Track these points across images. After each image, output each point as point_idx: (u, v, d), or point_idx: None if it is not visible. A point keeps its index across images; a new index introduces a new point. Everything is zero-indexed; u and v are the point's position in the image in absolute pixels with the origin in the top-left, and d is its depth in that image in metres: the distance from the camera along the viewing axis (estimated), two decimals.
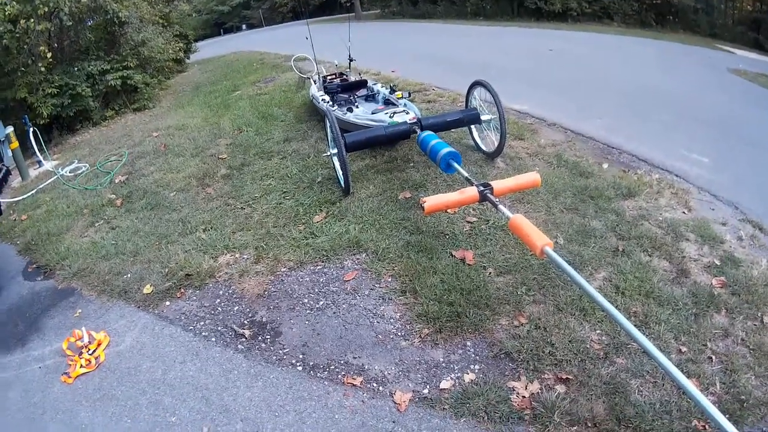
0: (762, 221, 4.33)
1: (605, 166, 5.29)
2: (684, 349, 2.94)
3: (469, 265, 3.70)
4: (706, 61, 14.93)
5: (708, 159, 5.59)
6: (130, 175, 6.48)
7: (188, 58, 17.65)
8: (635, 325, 2.21)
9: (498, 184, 3.41)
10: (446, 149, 4.16)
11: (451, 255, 3.83)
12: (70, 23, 9.58)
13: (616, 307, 2.94)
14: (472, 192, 3.32)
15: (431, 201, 3.23)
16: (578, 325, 3.12)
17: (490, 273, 3.63)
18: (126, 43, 11.05)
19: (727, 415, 1.88)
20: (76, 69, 9.94)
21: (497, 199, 3.31)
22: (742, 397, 2.64)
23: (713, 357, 2.90)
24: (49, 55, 8.98)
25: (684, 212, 4.43)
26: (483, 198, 3.33)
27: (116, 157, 7.35)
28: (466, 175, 3.89)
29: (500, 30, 20.31)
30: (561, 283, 3.45)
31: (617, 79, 10.08)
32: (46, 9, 8.59)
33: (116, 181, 6.38)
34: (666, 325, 3.08)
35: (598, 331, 3.08)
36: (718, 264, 3.69)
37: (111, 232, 5.02)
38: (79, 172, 7.13)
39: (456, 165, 4.10)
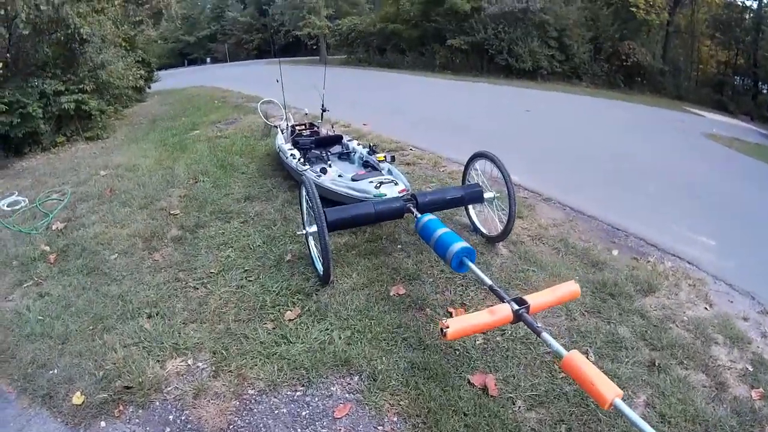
0: None
1: (615, 252, 4.59)
2: None
3: (492, 396, 2.77)
4: (680, 126, 15.36)
5: (714, 242, 5.13)
6: (69, 222, 5.29)
7: (149, 87, 16.21)
8: None
9: (534, 300, 2.55)
10: (459, 244, 3.18)
11: (469, 382, 2.88)
12: (27, 32, 8.12)
13: None
14: (504, 312, 2.43)
15: (455, 326, 2.31)
16: None
17: (519, 407, 2.72)
18: (84, 63, 9.60)
19: None
20: (29, 86, 8.46)
21: (539, 324, 2.44)
22: None
23: None
24: (0, 65, 7.70)
25: (706, 308, 3.83)
26: (518, 319, 2.46)
27: (57, 196, 6.11)
28: (489, 282, 2.90)
29: (469, 85, 19.84)
30: (605, 418, 2.61)
31: (596, 145, 9.74)
32: (2, 12, 7.39)
33: (53, 227, 5.16)
34: None
35: None
36: (751, 370, 3.12)
37: (39, 301, 3.85)
38: (17, 207, 5.89)
39: (471, 265, 3.13)
